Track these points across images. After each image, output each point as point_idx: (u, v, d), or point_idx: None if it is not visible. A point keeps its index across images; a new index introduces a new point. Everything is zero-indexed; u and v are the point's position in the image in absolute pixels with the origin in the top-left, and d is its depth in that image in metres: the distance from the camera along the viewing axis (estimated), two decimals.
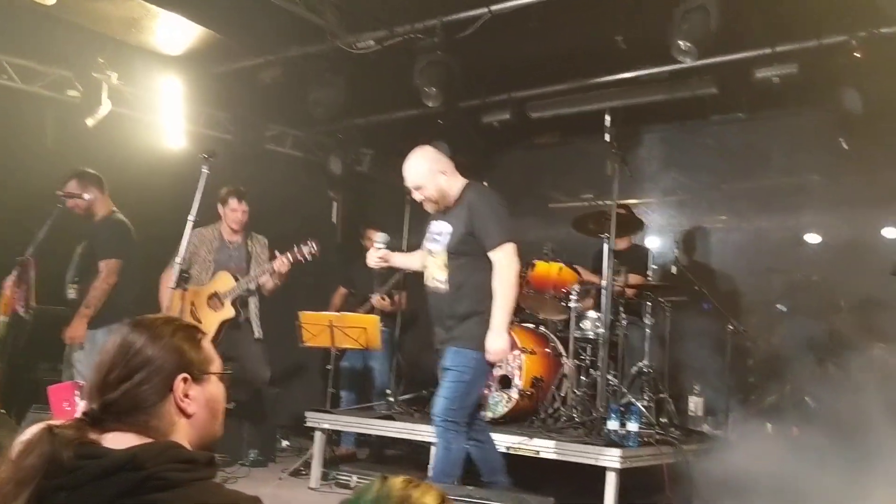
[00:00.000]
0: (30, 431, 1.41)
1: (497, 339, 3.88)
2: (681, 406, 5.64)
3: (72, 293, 5.32)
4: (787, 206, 6.54)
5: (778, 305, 6.07)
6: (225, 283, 5.47)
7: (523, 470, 4.71)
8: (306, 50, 6.39)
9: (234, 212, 5.61)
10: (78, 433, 1.41)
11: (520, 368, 5.02)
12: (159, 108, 6.71)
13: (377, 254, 4.34)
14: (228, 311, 5.43)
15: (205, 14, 5.93)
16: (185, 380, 1.55)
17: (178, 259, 4.31)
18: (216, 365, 1.65)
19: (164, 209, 5.65)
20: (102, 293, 5.12)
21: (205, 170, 4.38)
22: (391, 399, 5.80)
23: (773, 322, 6.09)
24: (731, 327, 5.44)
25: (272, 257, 5.51)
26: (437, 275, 4.04)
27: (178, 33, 6.27)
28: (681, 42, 4.85)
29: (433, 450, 4.71)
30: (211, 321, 5.36)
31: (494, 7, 5.46)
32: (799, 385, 5.44)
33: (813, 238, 6.55)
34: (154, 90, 6.69)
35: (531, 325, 5.63)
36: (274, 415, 6.17)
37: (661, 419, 5.21)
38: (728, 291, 6.47)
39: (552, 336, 5.49)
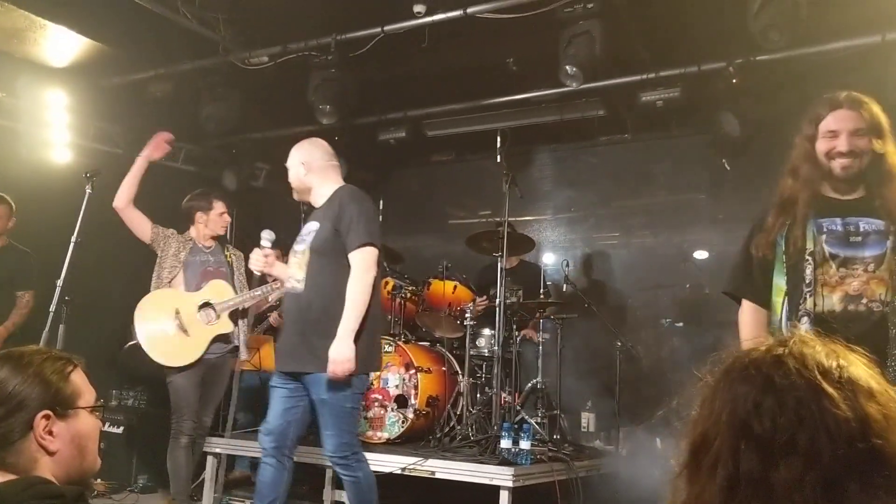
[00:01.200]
0: None
1: (341, 348, 3.54)
2: (574, 422, 5.78)
3: None
4: (674, 223, 6.82)
5: (664, 320, 6.30)
6: (220, 292, 4.87)
7: (419, 490, 4.73)
8: (199, 64, 6.28)
9: (221, 216, 5.12)
10: None
11: (416, 387, 5.04)
12: (45, 121, 6.44)
13: (263, 253, 3.90)
14: (226, 325, 4.81)
15: (93, 26, 5.76)
16: (46, 417, 1.50)
17: (59, 281, 4.09)
18: (86, 399, 1.59)
19: (48, 226, 5.43)
20: (22, 320, 5.23)
21: (88, 189, 4.25)
22: None
23: (662, 336, 6.33)
24: (619, 343, 5.61)
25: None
26: (296, 274, 3.79)
27: (64, 45, 6.06)
28: (567, 67, 5.01)
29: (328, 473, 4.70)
30: (203, 335, 4.74)
31: (388, 27, 5.50)
32: (686, 399, 5.65)
33: (700, 254, 6.84)
34: (39, 103, 6.42)
35: (427, 344, 5.67)
36: (165, 439, 5.99)
37: (554, 436, 5.32)
38: (618, 307, 6.70)
39: (448, 354, 5.54)
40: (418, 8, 5.38)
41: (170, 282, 4.88)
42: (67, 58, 6.29)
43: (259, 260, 3.89)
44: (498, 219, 5.87)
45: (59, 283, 3.92)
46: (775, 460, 0.90)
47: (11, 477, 1.43)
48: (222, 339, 4.84)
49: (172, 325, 4.69)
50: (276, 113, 7.21)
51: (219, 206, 5.13)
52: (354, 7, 5.58)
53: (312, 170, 3.92)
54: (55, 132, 6.47)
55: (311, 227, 3.86)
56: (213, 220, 5.11)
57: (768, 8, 4.66)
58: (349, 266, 3.69)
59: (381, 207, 7.07)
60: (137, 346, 4.62)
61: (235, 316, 4.91)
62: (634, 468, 5.14)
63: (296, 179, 3.95)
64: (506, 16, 5.14)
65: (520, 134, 6.44)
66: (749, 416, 0.95)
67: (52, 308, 3.84)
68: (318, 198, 3.92)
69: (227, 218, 5.16)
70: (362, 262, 3.69)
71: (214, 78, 6.35)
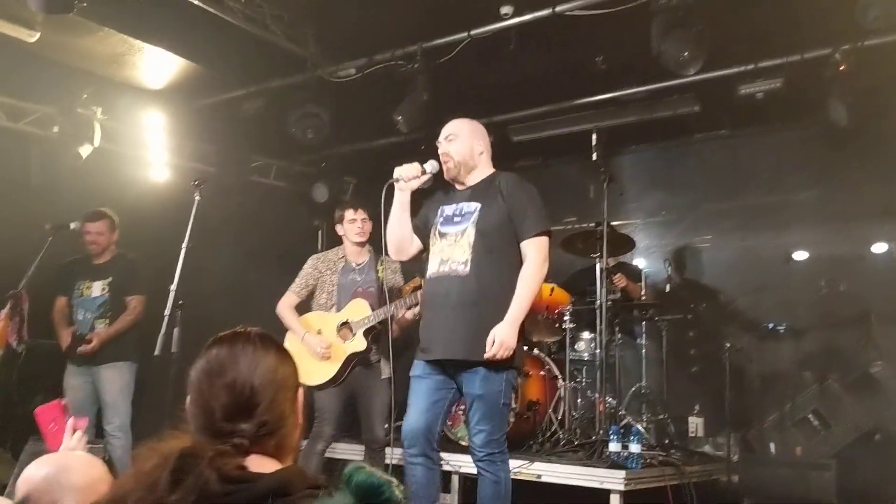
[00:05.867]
0: (172, 454, 1.29)
1: (510, 332, 3.41)
2: (680, 427, 5.56)
3: (101, 327, 5.37)
4: (776, 223, 6.50)
5: (771, 324, 6.02)
6: (358, 311, 4.83)
7: (522, 495, 4.61)
8: (288, 80, 6.37)
9: (353, 222, 4.98)
10: (229, 458, 1.31)
11: (516, 391, 4.93)
12: (143, 142, 6.69)
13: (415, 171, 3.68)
14: (359, 344, 4.77)
15: (187, 47, 5.92)
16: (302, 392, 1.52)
17: (172, 286, 4.11)
18: None
19: (151, 242, 5.62)
20: (128, 325, 5.37)
21: (197, 197, 4.32)
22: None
23: (768, 339, 6.04)
24: (728, 345, 5.35)
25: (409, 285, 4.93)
26: (455, 255, 3.56)
27: (160, 67, 6.26)
28: (678, 54, 4.74)
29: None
30: (338, 353, 4.77)
31: (474, 31, 5.46)
32: (800, 403, 5.39)
33: (801, 255, 6.53)
34: (138, 124, 6.67)
35: (525, 347, 5.56)
36: None
37: (662, 441, 5.14)
38: (721, 309, 6.42)
39: (546, 358, 5.42)
40: (505, 9, 5.33)
41: (331, 307, 4.95)
42: (164, 79, 6.49)
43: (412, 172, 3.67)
44: (588, 223, 5.75)
45: (173, 288, 3.98)
46: None
47: (276, 463, 1.39)
48: (362, 359, 4.80)
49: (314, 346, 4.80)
50: (363, 126, 7.28)
51: (349, 214, 5.04)
52: (440, 13, 5.56)
53: (485, 152, 3.79)
54: (153, 153, 6.70)
55: (467, 208, 3.65)
56: (349, 230, 5.01)
57: None
58: (516, 254, 3.57)
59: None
60: None
61: (371, 333, 4.82)
62: (748, 474, 4.93)
63: (466, 151, 3.72)
64: (595, 11, 5.02)
65: (608, 135, 6.27)
66: None
67: (167, 312, 3.90)
68: (473, 179, 3.74)
69: (361, 224, 5.00)
70: (541, 251, 3.55)
71: (303, 94, 6.41)
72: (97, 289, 5.44)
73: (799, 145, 6.32)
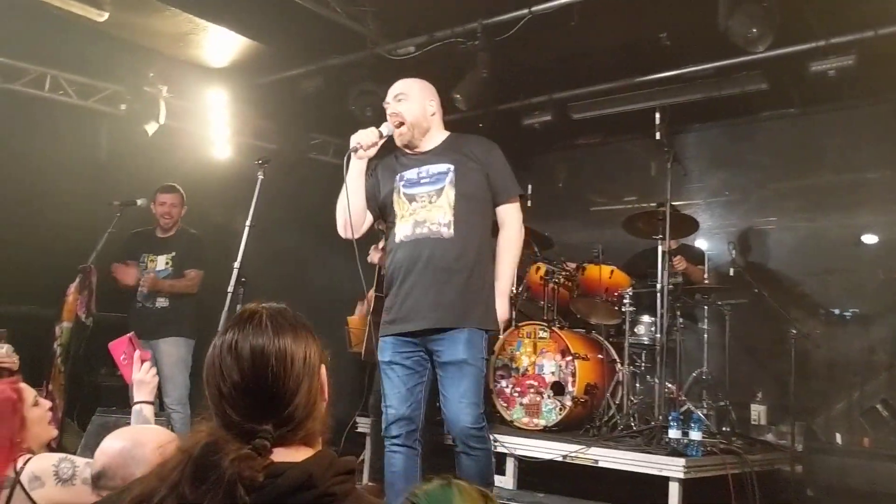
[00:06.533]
0: (193, 451, 1.25)
1: (504, 305, 3.40)
2: (742, 414, 5.44)
3: (162, 302, 5.50)
4: (844, 204, 6.29)
5: (839, 309, 5.83)
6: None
7: (577, 480, 4.59)
8: (347, 58, 6.38)
9: None
10: (251, 462, 1.24)
11: (573, 375, 4.90)
12: (207, 120, 6.80)
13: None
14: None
15: (249, 25, 5.98)
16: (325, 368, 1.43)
17: (235, 264, 4.16)
18: None
19: (214, 218, 5.73)
20: (180, 289, 5.49)
21: (260, 175, 4.35)
22: None
23: (835, 325, 5.86)
24: (794, 331, 5.20)
25: None
26: (434, 216, 3.40)
27: (223, 46, 6.34)
28: (748, 30, 4.60)
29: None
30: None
31: (536, 7, 5.36)
32: (868, 392, 5.24)
33: (871, 238, 6.30)
34: (201, 102, 6.78)
35: (582, 331, 5.51)
36: None
37: (722, 428, 5.05)
38: (787, 293, 6.24)
39: (605, 342, 5.37)
40: None
41: None
42: (226, 58, 6.57)
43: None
44: (649, 203, 5.64)
45: (236, 265, 4.03)
46: None
47: (305, 450, 1.35)
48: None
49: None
50: None
51: None
52: None
53: (437, 112, 3.65)
54: (217, 130, 6.81)
55: (436, 169, 3.48)
56: None
57: None
58: (492, 217, 3.54)
59: (528, 192, 6.99)
60: None
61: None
62: (813, 464, 4.82)
63: (419, 111, 3.56)
64: None
65: (671, 113, 6.10)
66: None
67: (230, 289, 3.95)
68: (429, 141, 3.59)
69: None
70: (519, 215, 3.54)
71: (362, 71, 6.41)
72: (161, 262, 5.60)
73: (870, 124, 6.08)
